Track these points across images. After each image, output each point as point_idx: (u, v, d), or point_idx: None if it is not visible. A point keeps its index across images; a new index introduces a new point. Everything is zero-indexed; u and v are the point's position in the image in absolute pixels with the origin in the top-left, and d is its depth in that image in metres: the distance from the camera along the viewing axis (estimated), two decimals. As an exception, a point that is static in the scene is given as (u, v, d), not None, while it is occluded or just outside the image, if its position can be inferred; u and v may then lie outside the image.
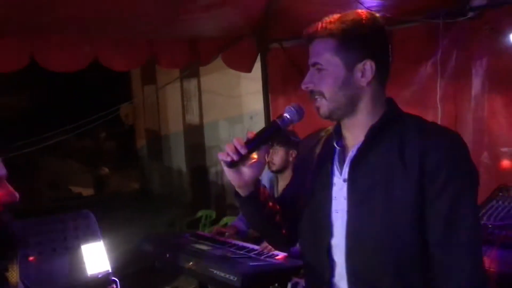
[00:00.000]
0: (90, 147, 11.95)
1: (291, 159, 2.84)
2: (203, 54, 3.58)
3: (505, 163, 2.76)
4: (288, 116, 1.25)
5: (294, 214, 1.35)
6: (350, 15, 1.23)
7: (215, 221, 4.55)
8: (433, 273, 1.17)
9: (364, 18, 1.22)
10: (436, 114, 2.81)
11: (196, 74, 6.70)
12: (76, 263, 2.14)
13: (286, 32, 3.49)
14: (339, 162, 1.28)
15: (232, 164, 1.22)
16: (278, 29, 3.50)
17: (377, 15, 1.24)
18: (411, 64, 3.04)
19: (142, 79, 8.66)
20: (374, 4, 2.79)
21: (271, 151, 2.82)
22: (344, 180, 1.25)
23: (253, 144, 1.23)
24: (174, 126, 7.87)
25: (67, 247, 2.16)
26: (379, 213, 1.18)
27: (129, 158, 10.62)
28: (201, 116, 6.97)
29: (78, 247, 2.17)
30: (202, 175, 6.86)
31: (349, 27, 1.20)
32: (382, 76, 1.24)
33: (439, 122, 2.80)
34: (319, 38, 1.23)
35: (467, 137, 2.84)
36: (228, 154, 1.22)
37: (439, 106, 2.82)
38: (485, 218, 2.08)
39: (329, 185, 1.28)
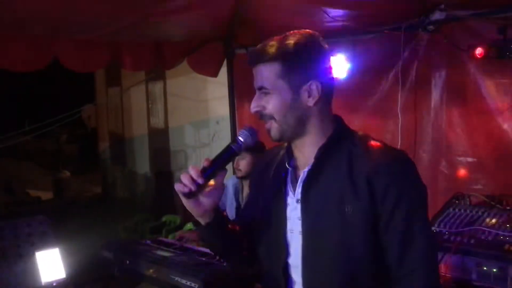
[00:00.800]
0: (50, 149, 11.55)
1: None
2: (168, 57, 3.55)
3: (462, 171, 2.86)
4: (241, 139, 1.25)
5: (253, 234, 1.35)
6: (292, 37, 1.22)
7: (180, 227, 4.48)
8: None
9: (305, 39, 1.22)
10: (397, 123, 2.89)
11: (162, 77, 6.62)
12: (30, 271, 2.07)
13: (253, 38, 3.50)
14: (292, 182, 1.29)
15: (190, 195, 1.19)
16: (245, 35, 3.50)
17: (318, 34, 1.25)
18: (373, 74, 3.11)
19: (106, 81, 8.46)
20: (338, 14, 2.85)
21: (237, 158, 2.82)
22: (297, 201, 1.26)
23: (209, 171, 1.20)
24: (139, 129, 7.73)
25: (20, 254, 2.09)
26: (333, 234, 1.19)
27: (91, 162, 10.34)
28: (166, 119, 6.88)
29: (32, 254, 2.10)
30: (167, 180, 6.74)
31: (291, 50, 1.20)
32: (327, 95, 1.25)
33: (399, 131, 2.88)
34: (262, 63, 1.23)
35: (426, 146, 2.93)
36: (185, 185, 1.18)
37: (399, 115, 2.89)
38: (441, 225, 2.14)
39: (283, 205, 1.28)
